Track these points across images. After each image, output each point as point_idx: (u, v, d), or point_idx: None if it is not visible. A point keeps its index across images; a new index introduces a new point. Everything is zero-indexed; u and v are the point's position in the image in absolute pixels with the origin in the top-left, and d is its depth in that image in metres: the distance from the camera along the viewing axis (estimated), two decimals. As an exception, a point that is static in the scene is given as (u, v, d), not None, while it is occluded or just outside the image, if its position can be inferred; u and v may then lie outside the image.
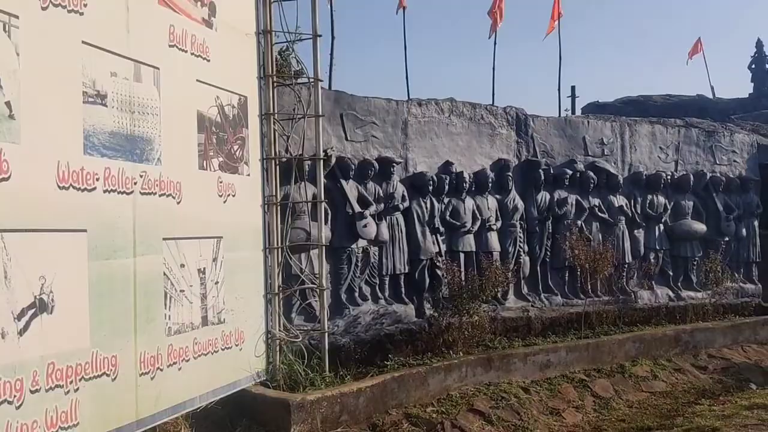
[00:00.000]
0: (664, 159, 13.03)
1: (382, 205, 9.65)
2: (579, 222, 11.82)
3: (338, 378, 7.99)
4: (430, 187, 10.12)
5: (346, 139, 9.41)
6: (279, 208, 8.16)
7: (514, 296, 11.21)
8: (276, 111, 8.14)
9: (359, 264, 9.38)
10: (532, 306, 11.23)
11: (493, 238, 10.88)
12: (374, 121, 9.70)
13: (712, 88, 25.91)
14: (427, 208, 10.15)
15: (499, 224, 11.04)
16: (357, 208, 9.25)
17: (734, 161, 13.77)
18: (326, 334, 8.11)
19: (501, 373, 9.01)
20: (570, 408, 8.95)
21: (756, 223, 13.89)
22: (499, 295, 10.90)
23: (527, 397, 8.79)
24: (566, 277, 11.69)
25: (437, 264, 10.06)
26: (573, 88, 20.47)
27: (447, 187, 10.40)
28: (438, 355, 9.05)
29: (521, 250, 11.26)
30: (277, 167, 8.14)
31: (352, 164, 9.27)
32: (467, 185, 10.61)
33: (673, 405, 9.51)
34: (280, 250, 8.07)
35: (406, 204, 9.95)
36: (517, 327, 10.76)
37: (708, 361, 11.00)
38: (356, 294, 9.38)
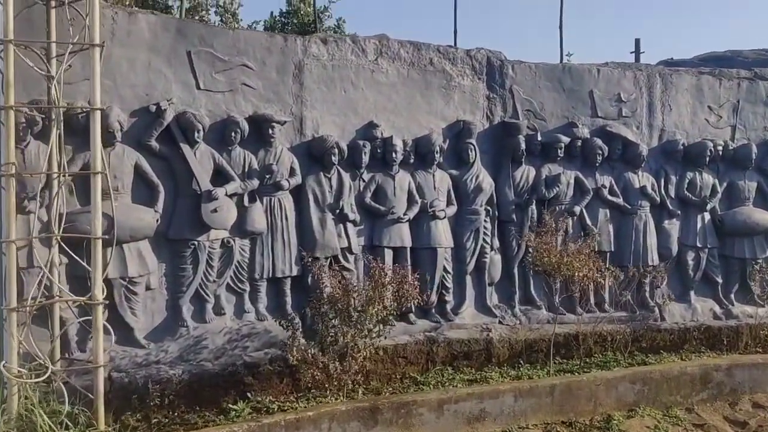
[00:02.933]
0: (714, 123, 9.44)
1: (256, 181, 6.91)
2: (577, 208, 8.58)
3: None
4: (334, 157, 7.25)
5: (199, 87, 6.72)
6: (57, 181, 5.67)
7: (474, 308, 8.19)
8: (49, 39, 5.61)
9: (213, 263, 6.71)
10: (499, 323, 8.18)
11: (440, 229, 7.87)
12: (247, 63, 6.94)
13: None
14: (331, 185, 7.30)
15: (451, 210, 8.02)
16: (205, 185, 6.56)
17: (825, 126, 9.93)
18: (102, 367, 5.52)
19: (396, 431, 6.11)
20: (495, 490, 5.95)
21: None
22: (449, 307, 7.96)
23: (425, 471, 5.87)
24: (557, 284, 8.49)
25: (344, 265, 7.23)
26: (637, 41, 16.68)
27: (365, 157, 7.50)
28: (330, 395, 6.29)
29: (487, 245, 8.19)
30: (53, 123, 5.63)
31: (199, 123, 6.56)
32: (398, 155, 7.66)
33: (673, 489, 6.29)
34: (55, 242, 5.58)
35: (297, 180, 7.16)
36: (471, 353, 7.76)
37: (751, 414, 7.54)
38: (209, 305, 6.72)
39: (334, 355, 5.99)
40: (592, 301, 8.64)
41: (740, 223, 9.25)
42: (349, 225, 7.36)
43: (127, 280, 6.21)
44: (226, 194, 6.64)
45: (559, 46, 9.33)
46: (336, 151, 7.22)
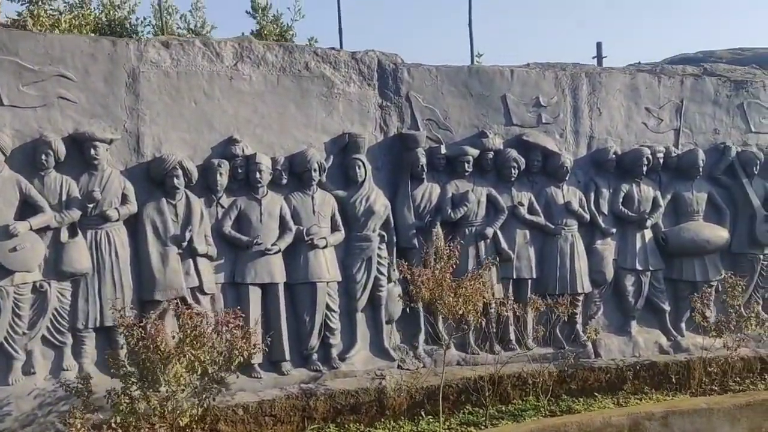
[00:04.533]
0: (654, 127, 8.27)
1: (76, 212, 5.81)
2: (490, 229, 7.41)
3: None
4: (178, 180, 6.13)
5: (2, 103, 5.65)
6: None
7: (369, 351, 7.02)
8: None
9: (22, 312, 5.58)
10: (399, 367, 7.01)
11: (321, 260, 6.72)
12: (64, 73, 5.88)
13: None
14: (176, 213, 6.18)
15: (336, 237, 6.89)
16: (4, 219, 5.46)
17: (783, 127, 8.74)
18: None
19: None
20: None
21: (823, 224, 8.73)
22: (334, 352, 6.80)
23: None
24: (468, 321, 7.27)
25: (194, 308, 6.07)
26: (599, 45, 15.52)
27: (221, 178, 6.39)
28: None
29: (383, 276, 7.04)
30: None
31: (-5, 145, 5.48)
32: (263, 175, 6.55)
33: None
34: None
35: (131, 209, 6.04)
36: (359, 405, 6.58)
37: (691, 474, 6.30)
38: (18, 363, 5.58)
39: (132, 426, 4.80)
40: (512, 337, 7.45)
41: (687, 240, 8.03)
42: (201, 260, 6.23)
43: None
44: (31, 229, 5.53)
45: (470, 46, 8.23)
46: (179, 172, 6.11)
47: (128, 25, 10.73)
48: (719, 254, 8.24)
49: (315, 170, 6.75)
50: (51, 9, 9.75)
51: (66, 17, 9.70)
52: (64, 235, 5.74)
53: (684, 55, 16.21)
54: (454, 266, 6.29)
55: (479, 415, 6.68)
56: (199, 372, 4.95)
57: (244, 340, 5.12)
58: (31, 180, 5.68)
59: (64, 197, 5.77)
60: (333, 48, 7.23)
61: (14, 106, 5.68)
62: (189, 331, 4.87)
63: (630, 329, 7.89)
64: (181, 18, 10.78)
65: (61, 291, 5.75)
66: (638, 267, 7.92)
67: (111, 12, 10.27)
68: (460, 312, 5.96)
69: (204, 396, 5.14)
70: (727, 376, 7.69)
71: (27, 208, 5.63)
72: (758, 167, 8.34)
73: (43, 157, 5.68)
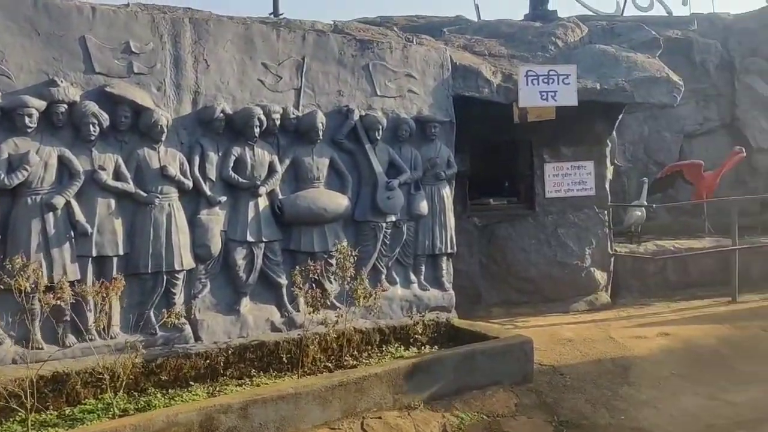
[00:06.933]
0: (272, 85, 7.54)
1: None
2: (61, 198, 6.17)
3: None
4: None
5: None
6: None
7: None
8: None
9: None
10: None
11: None
12: None
13: (477, 7, 21.11)
14: None
15: None
16: None
17: (410, 92, 8.49)
18: None
19: None
20: None
21: (447, 191, 8.71)
22: None
23: None
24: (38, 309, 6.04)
25: None
26: (275, 2, 14.80)
27: None
28: None
29: None
30: None
31: None
32: None
33: None
34: None
35: None
36: None
37: (267, 469, 5.70)
38: None
39: None
40: (92, 325, 6.33)
41: (303, 209, 7.46)
42: None
43: None
44: None
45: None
46: None
47: None
48: (342, 223, 7.83)
49: None
50: None
51: None
52: None
53: (364, 19, 16.11)
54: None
55: (25, 425, 5.50)
56: None
57: None
58: None
59: None
60: None
61: None
62: None
63: (239, 307, 7.15)
64: None
65: None
66: (250, 238, 7.18)
67: None
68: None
69: None
70: (343, 351, 7.31)
71: None
72: (381, 132, 8.00)
73: None
